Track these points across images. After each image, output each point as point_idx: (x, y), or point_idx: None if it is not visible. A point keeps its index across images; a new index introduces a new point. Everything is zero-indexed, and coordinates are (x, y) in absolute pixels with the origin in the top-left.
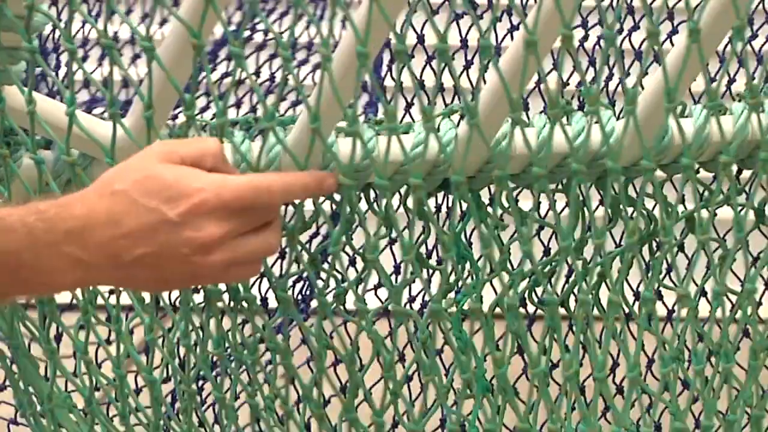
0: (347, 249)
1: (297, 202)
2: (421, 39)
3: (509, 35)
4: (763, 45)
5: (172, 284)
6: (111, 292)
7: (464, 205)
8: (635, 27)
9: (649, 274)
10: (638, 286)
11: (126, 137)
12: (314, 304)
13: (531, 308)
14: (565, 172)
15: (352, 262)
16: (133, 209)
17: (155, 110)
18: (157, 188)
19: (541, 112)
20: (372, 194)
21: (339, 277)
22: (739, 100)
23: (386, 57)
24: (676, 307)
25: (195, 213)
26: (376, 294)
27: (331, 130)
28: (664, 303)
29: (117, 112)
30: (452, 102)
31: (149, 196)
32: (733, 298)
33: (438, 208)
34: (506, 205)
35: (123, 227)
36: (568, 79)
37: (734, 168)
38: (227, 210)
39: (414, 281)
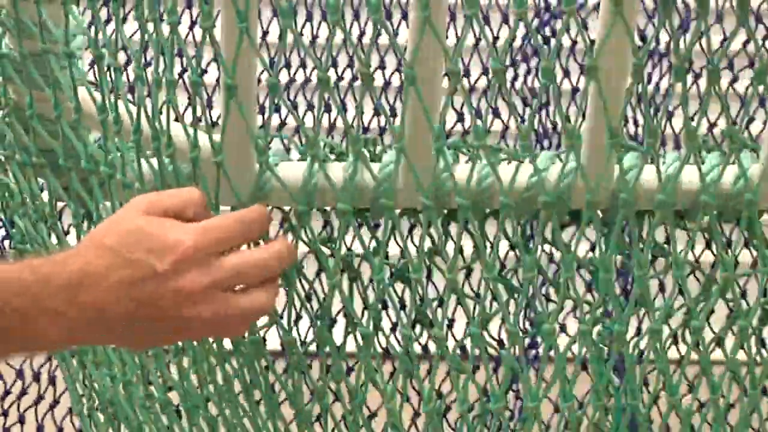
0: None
1: None
2: None
3: None
4: None
5: (159, 340)
6: None
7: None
8: None
9: None
10: None
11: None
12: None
13: None
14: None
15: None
16: (118, 263)
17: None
18: (141, 241)
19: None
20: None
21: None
22: None
23: None
24: None
25: (179, 263)
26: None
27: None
28: None
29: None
30: None
31: (133, 250)
32: None
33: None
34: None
35: (109, 281)
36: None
37: None
38: (211, 255)
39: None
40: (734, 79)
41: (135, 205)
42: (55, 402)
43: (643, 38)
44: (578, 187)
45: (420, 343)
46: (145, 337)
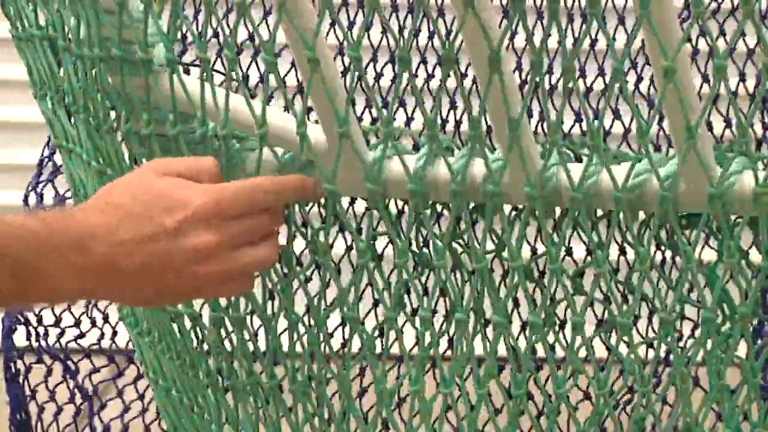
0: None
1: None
2: None
3: None
4: None
5: (168, 296)
6: None
7: None
8: None
9: None
10: None
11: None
12: None
13: None
14: None
15: None
16: (130, 219)
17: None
18: (155, 199)
19: None
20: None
21: None
22: None
23: None
24: None
25: (191, 221)
26: None
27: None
28: None
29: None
30: None
31: (146, 207)
32: None
33: None
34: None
35: (121, 236)
36: None
37: None
38: (223, 216)
39: None
40: None
41: (148, 166)
42: None
43: None
44: (681, 188)
45: (548, 344)
46: (156, 295)
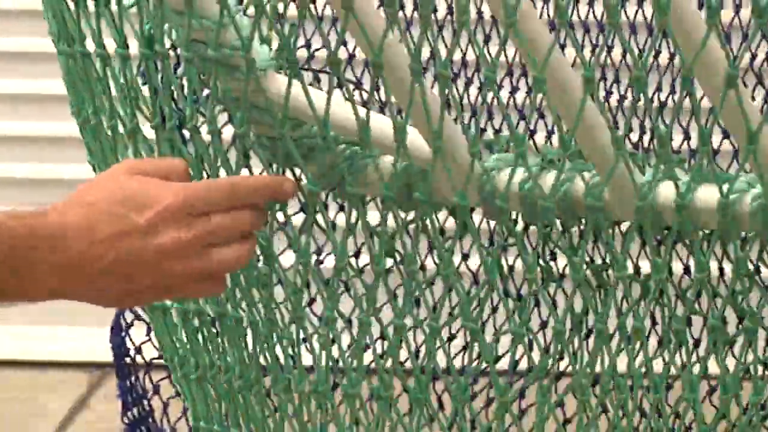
0: None
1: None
2: None
3: None
4: None
5: (142, 296)
6: None
7: None
8: None
9: None
10: None
11: None
12: None
13: None
14: None
15: None
16: (103, 218)
17: None
18: (126, 197)
19: None
20: None
21: None
22: None
23: None
24: None
25: (162, 218)
26: None
27: None
28: None
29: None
30: None
31: (118, 205)
32: None
33: None
34: None
35: (95, 235)
36: None
37: None
38: (193, 213)
39: None
40: None
41: (118, 167)
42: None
43: None
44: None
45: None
46: (128, 296)
